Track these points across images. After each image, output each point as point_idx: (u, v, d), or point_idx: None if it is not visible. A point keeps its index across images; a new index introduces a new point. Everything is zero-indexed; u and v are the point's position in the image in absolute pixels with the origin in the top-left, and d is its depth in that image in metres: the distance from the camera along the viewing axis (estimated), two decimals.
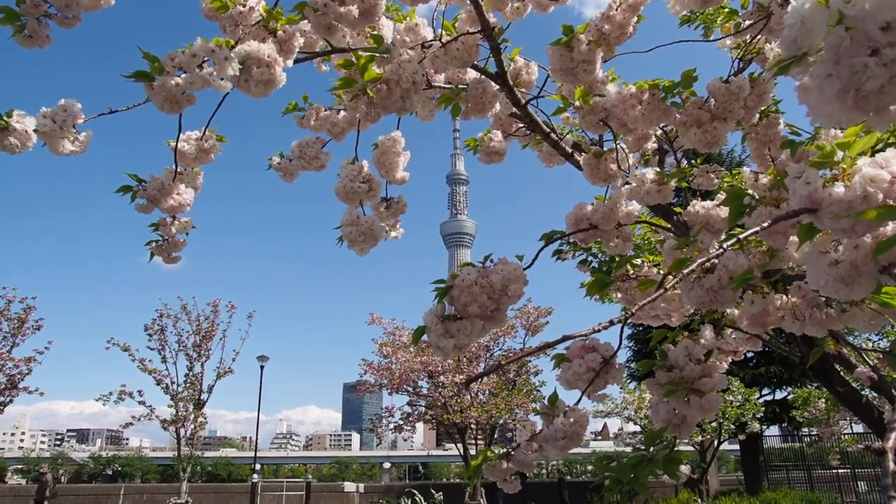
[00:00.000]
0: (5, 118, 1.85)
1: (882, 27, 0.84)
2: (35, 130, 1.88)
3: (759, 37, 2.49)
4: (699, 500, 16.58)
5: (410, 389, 19.26)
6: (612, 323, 1.47)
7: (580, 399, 1.67)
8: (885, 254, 1.20)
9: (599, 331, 1.48)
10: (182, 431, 17.44)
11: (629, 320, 1.54)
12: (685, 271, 1.42)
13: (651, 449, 1.67)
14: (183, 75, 1.81)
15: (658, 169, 2.39)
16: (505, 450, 1.63)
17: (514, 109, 2.62)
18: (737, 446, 24.47)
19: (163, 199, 2.30)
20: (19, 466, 75.20)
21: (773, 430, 25.44)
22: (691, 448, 19.26)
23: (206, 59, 1.80)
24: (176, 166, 2.34)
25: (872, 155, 1.18)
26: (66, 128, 1.91)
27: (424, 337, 1.68)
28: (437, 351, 1.63)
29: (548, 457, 1.70)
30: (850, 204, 1.13)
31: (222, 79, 1.83)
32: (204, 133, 2.37)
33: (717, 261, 1.68)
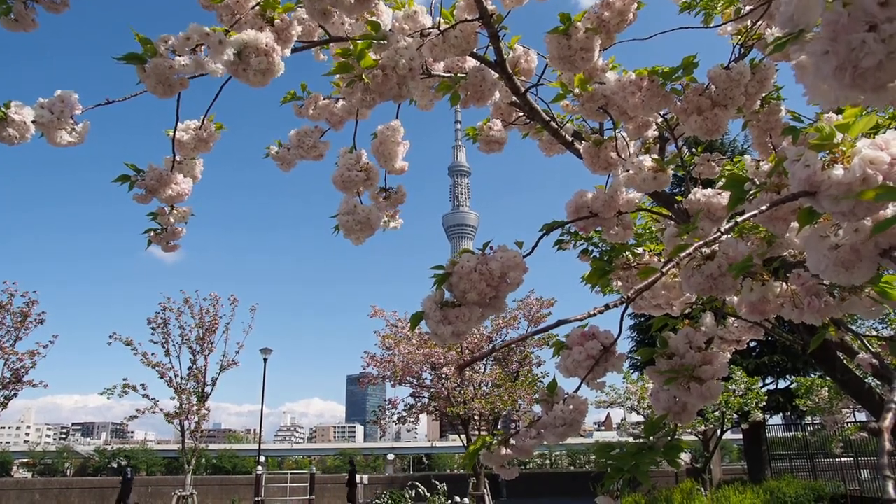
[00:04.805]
0: (3, 109, 1.84)
1: (881, 2, 0.82)
2: (33, 121, 1.87)
3: (759, 22, 2.47)
4: (702, 490, 16.61)
5: (413, 381, 19.27)
6: (607, 307, 1.47)
7: (579, 386, 1.66)
8: (885, 237, 1.19)
9: (595, 315, 1.48)
10: (186, 424, 17.48)
11: (631, 309, 1.54)
12: (683, 255, 1.42)
13: (651, 438, 1.67)
14: (176, 58, 1.79)
15: (656, 156, 2.38)
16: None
17: (514, 98, 2.61)
18: (740, 436, 24.51)
19: (161, 189, 2.30)
20: (24, 460, 75.50)
21: (777, 419, 25.48)
22: (694, 437, 19.29)
23: (200, 43, 1.79)
24: (174, 156, 2.33)
25: (872, 137, 1.17)
26: (63, 118, 1.90)
27: (424, 325, 1.68)
28: (434, 337, 1.62)
29: (550, 446, 1.71)
30: (850, 186, 1.12)
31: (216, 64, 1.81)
32: (202, 122, 2.36)
33: (716, 247, 1.67)
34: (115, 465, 67.53)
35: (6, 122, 1.83)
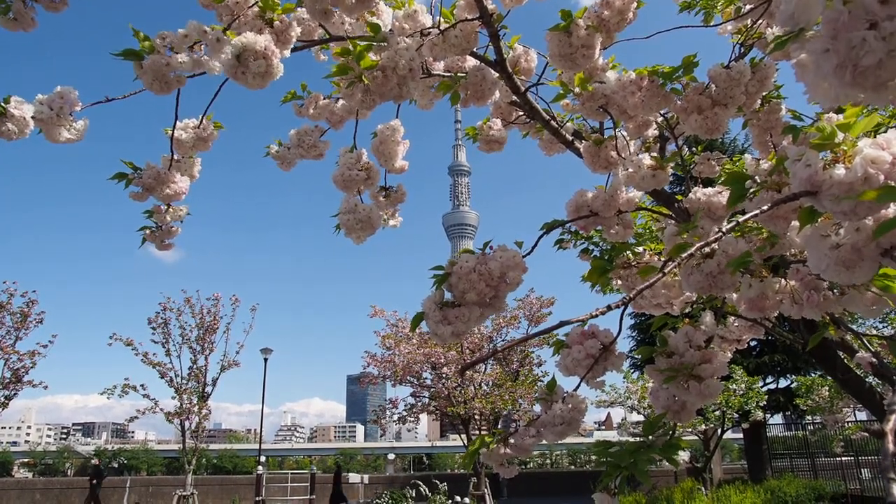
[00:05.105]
0: (3, 104, 1.84)
1: (881, 0, 0.82)
2: (32, 118, 1.87)
3: (760, 21, 2.47)
4: (703, 489, 16.61)
5: (414, 381, 19.26)
6: (609, 308, 1.46)
7: (579, 385, 1.66)
8: (886, 236, 1.19)
9: (597, 316, 1.48)
10: (187, 424, 17.46)
11: (631, 308, 1.53)
12: (684, 255, 1.41)
13: (650, 436, 1.66)
14: (173, 55, 1.79)
15: (655, 154, 2.37)
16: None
17: (514, 97, 2.61)
18: (740, 435, 24.51)
19: (159, 187, 2.29)
20: (25, 460, 75.52)
21: (777, 419, 25.49)
22: (695, 437, 19.27)
23: (198, 41, 1.79)
24: (172, 154, 2.33)
25: (873, 136, 1.17)
26: (62, 115, 1.90)
27: (424, 325, 1.68)
28: (435, 337, 1.62)
29: (550, 445, 1.70)
30: (851, 186, 1.12)
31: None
32: (201, 121, 2.35)
33: (716, 246, 1.67)
34: (116, 465, 67.55)
35: (5, 118, 1.83)
